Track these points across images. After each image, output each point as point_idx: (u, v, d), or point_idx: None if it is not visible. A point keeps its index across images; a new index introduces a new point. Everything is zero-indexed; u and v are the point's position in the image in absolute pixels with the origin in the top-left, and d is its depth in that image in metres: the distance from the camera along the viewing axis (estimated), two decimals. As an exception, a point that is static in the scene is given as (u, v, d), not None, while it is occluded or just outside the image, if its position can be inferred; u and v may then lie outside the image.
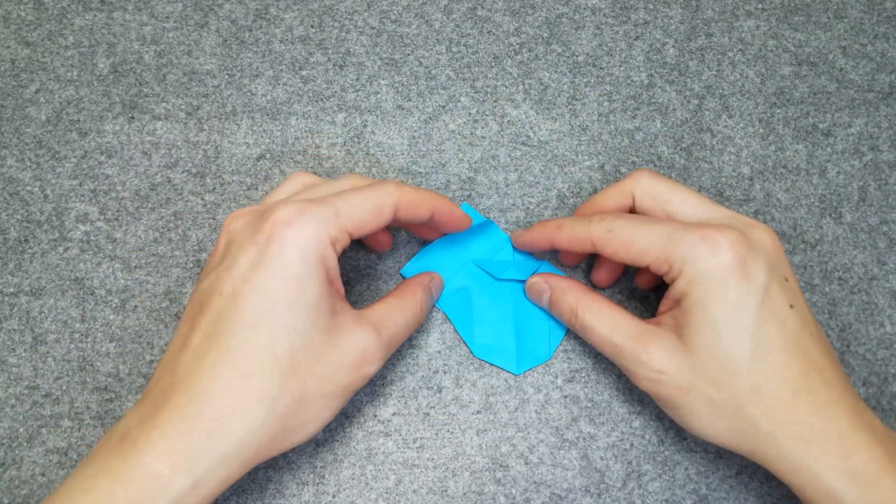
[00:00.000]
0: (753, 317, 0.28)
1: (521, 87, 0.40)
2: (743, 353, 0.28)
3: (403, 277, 0.36)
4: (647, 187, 0.32)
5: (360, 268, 0.37)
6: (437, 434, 0.35)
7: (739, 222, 0.30)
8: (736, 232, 0.29)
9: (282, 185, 0.33)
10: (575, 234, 0.32)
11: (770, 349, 0.28)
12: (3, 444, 0.34)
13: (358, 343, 0.29)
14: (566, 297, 0.33)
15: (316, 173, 0.39)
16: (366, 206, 0.29)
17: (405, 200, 0.30)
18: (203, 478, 0.25)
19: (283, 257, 0.27)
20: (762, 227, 0.30)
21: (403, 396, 0.35)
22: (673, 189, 0.32)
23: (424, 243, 0.37)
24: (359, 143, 0.39)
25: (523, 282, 0.36)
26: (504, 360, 0.35)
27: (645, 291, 0.37)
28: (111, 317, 0.36)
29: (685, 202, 0.32)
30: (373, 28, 0.41)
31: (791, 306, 0.29)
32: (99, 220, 0.38)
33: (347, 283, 0.37)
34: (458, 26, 0.41)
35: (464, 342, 0.36)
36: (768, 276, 0.29)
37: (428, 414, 0.35)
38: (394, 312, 0.31)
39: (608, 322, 0.31)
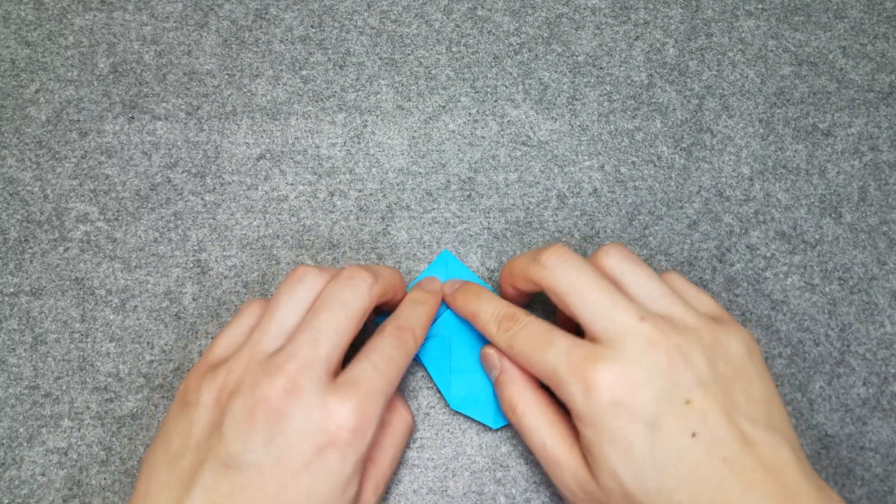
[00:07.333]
0: (646, 458, 0.26)
1: (521, 87, 0.40)
2: (648, 495, 0.26)
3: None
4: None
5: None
6: (437, 434, 0.35)
7: (648, 326, 0.27)
8: (616, 365, 0.27)
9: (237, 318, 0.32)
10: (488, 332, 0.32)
11: (675, 488, 0.26)
12: (3, 444, 0.34)
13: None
14: (510, 387, 0.31)
15: (315, 173, 0.39)
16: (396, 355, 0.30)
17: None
18: None
19: (341, 466, 0.27)
20: (661, 335, 0.27)
21: (404, 396, 0.35)
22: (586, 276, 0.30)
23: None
24: (359, 143, 0.39)
25: None
26: (481, 413, 0.34)
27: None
28: (111, 317, 0.36)
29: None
30: (373, 28, 0.41)
31: (693, 435, 0.26)
32: (99, 220, 0.38)
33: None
34: (458, 26, 0.41)
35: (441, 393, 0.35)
36: (657, 409, 0.26)
37: (428, 414, 0.35)
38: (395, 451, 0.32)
39: (544, 427, 0.30)
